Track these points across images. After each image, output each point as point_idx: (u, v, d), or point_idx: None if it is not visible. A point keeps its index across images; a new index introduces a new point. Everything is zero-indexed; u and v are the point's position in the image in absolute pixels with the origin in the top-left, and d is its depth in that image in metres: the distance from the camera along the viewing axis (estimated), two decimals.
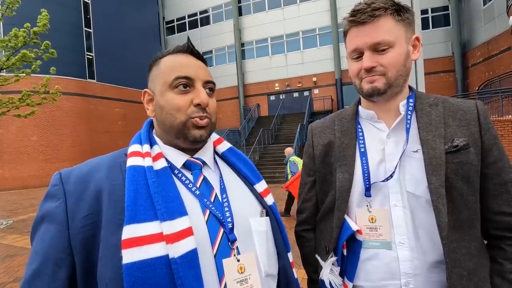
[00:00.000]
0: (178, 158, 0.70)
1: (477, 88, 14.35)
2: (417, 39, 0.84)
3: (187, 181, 0.68)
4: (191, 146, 0.71)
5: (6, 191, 14.33)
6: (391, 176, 0.80)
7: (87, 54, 17.43)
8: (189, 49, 0.72)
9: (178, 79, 0.67)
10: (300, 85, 19.22)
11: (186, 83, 0.67)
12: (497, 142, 0.80)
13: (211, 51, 21.60)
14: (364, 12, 0.79)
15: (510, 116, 9.12)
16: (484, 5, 14.89)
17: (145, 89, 0.73)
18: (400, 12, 0.80)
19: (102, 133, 17.70)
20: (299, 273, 3.09)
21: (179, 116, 0.67)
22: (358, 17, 0.80)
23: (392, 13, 0.79)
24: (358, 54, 0.83)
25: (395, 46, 0.79)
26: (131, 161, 0.64)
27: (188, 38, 0.74)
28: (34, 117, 10.13)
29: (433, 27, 17.10)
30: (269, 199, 0.78)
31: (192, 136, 0.67)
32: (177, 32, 23.21)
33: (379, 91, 0.81)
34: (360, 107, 0.95)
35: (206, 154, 0.75)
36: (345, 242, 0.85)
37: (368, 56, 0.80)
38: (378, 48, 0.79)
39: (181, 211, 0.60)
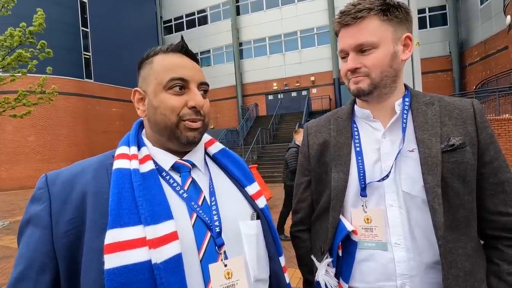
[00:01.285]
0: (167, 160, 0.69)
1: (474, 87, 14.41)
2: (409, 38, 0.82)
3: (174, 184, 0.66)
4: (183, 148, 0.70)
5: (2, 191, 14.25)
6: (387, 176, 0.79)
7: (84, 54, 17.36)
8: (184, 49, 0.70)
9: (173, 80, 0.66)
10: (298, 84, 19.22)
11: (181, 85, 0.67)
12: (493, 141, 0.79)
13: (209, 51, 21.56)
14: (348, 14, 0.79)
15: (507, 115, 9.15)
16: (481, 4, 14.95)
17: (135, 88, 0.72)
18: (388, 11, 0.79)
19: (100, 133, 17.63)
20: (296, 274, 3.08)
21: (172, 117, 0.66)
22: (343, 19, 0.81)
23: (377, 13, 0.78)
24: (344, 55, 0.84)
25: (380, 46, 0.78)
26: (117, 164, 0.62)
27: (182, 37, 0.72)
28: (31, 117, 10.07)
29: (430, 27, 17.15)
30: (261, 202, 0.77)
31: (185, 138, 0.66)
32: (175, 32, 23.14)
33: (363, 92, 0.82)
34: (356, 106, 0.94)
35: (196, 156, 0.74)
36: (340, 243, 0.84)
37: (352, 57, 0.81)
38: (361, 49, 0.79)
39: (166, 215, 0.58)
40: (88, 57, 17.62)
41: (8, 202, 10.85)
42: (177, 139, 0.67)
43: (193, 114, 0.67)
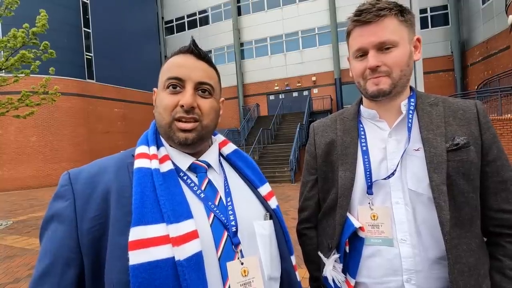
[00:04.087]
0: (184, 160, 0.71)
1: (476, 87, 14.39)
2: (418, 40, 0.86)
3: (192, 184, 0.68)
4: (181, 148, 0.71)
5: (5, 192, 14.30)
6: (392, 174, 0.81)
7: (86, 55, 17.41)
8: (190, 49, 0.71)
9: (169, 79, 0.68)
10: (300, 84, 19.24)
11: (175, 84, 0.68)
12: (496, 140, 0.81)
13: (210, 51, 21.57)
14: (370, 11, 0.80)
15: (509, 115, 9.13)
16: (483, 4, 14.93)
17: (154, 88, 0.75)
18: (403, 13, 0.82)
19: (102, 134, 17.67)
20: (300, 272, 3.08)
21: (166, 116, 0.67)
22: (364, 17, 0.80)
23: (396, 14, 0.81)
24: (362, 54, 0.84)
25: (399, 46, 0.80)
26: (138, 163, 0.64)
27: (192, 38, 0.74)
28: (33, 117, 10.11)
29: (432, 26, 17.14)
30: (273, 203, 0.79)
31: (177, 138, 0.67)
32: (176, 32, 23.20)
33: (384, 93, 0.82)
34: (361, 106, 0.96)
35: (211, 156, 0.75)
36: (347, 239, 0.85)
37: (373, 55, 0.81)
38: (383, 48, 0.80)
39: (187, 214, 0.60)
40: (90, 57, 17.66)
41: (11, 202, 10.89)
42: (171, 139, 0.68)
43: (183, 112, 0.66)
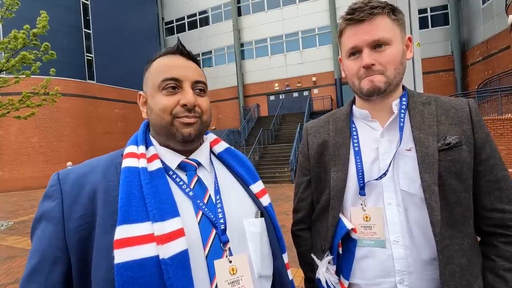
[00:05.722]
0: (173, 159, 0.71)
1: (476, 87, 14.36)
2: (409, 39, 0.86)
3: (181, 182, 0.68)
4: (182, 146, 0.71)
5: (6, 192, 14.33)
6: (384, 174, 0.81)
7: (86, 55, 17.43)
8: (179, 50, 0.72)
9: (166, 81, 0.68)
10: (300, 85, 19.22)
11: (174, 85, 0.68)
12: (489, 139, 0.80)
13: (210, 52, 21.60)
14: (363, 10, 0.80)
15: (509, 114, 9.09)
16: (483, 4, 14.90)
17: (140, 92, 0.75)
18: (395, 12, 0.82)
19: (102, 134, 17.69)
20: (298, 273, 3.09)
21: (166, 116, 0.67)
22: (357, 15, 0.80)
23: (388, 13, 0.81)
24: (355, 52, 0.83)
25: (392, 44, 0.80)
26: (126, 162, 0.65)
27: (178, 39, 0.74)
28: (34, 118, 10.15)
29: (432, 26, 17.10)
30: (265, 200, 0.79)
31: (181, 134, 0.68)
32: (177, 33, 23.20)
33: (379, 90, 0.82)
34: (354, 106, 0.95)
35: (201, 155, 0.75)
36: (340, 241, 0.85)
37: (367, 53, 0.80)
38: (376, 46, 0.80)
39: (173, 213, 0.60)
40: (90, 58, 17.68)
41: (12, 203, 10.91)
42: (173, 136, 0.69)
43: (186, 111, 0.68)
